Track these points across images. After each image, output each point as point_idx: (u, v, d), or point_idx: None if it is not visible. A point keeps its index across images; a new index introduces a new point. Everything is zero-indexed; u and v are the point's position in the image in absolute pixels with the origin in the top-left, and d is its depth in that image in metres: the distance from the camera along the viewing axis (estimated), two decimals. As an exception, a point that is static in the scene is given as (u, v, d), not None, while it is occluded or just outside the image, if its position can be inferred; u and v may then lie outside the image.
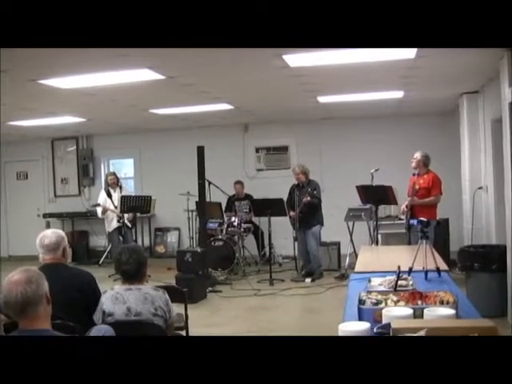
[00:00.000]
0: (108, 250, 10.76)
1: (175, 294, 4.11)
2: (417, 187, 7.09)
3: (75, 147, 12.38)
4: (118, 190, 9.75)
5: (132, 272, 3.46)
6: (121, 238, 9.50)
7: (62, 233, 3.78)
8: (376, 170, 8.09)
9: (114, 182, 9.76)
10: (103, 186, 10.22)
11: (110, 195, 9.67)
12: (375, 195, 7.99)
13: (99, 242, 11.67)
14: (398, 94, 8.29)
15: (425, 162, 7.21)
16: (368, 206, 8.56)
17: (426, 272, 3.78)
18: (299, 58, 5.65)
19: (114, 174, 10.06)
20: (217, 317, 6.81)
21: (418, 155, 7.24)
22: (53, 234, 3.70)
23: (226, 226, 9.68)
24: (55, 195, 12.62)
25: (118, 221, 9.47)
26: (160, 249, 11.98)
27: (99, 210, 9.66)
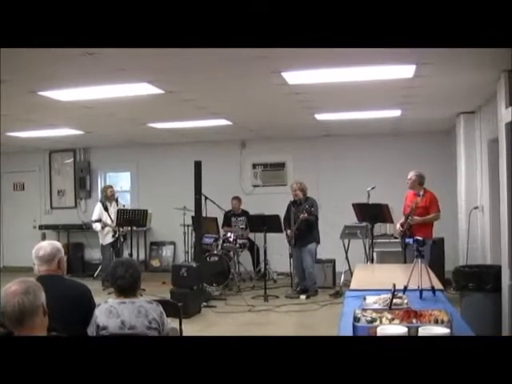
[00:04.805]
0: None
1: (170, 308, 4.09)
2: (414, 206, 7.10)
3: (72, 159, 12.39)
4: (113, 203, 9.71)
5: (127, 286, 3.46)
6: (112, 251, 9.47)
7: (58, 244, 3.74)
8: (372, 188, 8.11)
9: (113, 195, 9.72)
10: (100, 199, 10.16)
11: (106, 209, 9.61)
12: (371, 213, 8.00)
13: (94, 254, 11.62)
14: (396, 113, 8.34)
15: (419, 181, 7.24)
16: (364, 223, 8.58)
17: (421, 291, 3.79)
18: (298, 76, 5.69)
19: (112, 186, 10.04)
20: (211, 332, 6.78)
21: (411, 175, 7.27)
22: (48, 245, 3.67)
23: (221, 241, 9.67)
24: (51, 207, 12.60)
25: (113, 235, 9.42)
26: (155, 263, 11.94)
27: (99, 226, 9.52)
